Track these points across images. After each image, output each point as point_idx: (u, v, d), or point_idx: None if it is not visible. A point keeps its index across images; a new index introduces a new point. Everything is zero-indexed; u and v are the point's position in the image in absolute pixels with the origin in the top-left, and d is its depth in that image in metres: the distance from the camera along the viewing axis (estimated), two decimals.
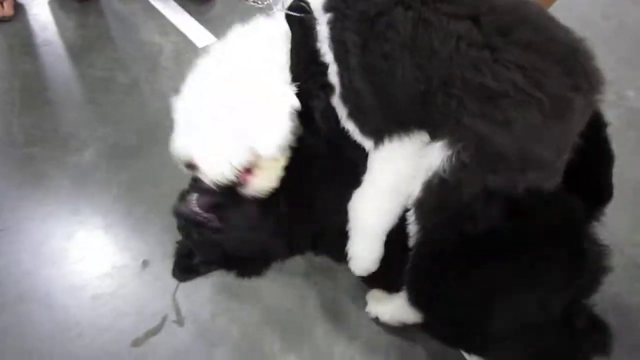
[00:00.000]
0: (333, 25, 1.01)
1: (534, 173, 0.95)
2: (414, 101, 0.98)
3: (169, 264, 1.40)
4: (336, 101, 1.06)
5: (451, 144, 0.94)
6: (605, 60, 0.92)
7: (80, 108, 1.81)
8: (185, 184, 1.28)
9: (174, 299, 1.40)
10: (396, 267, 1.20)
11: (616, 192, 1.09)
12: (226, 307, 1.40)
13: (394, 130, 1.02)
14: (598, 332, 1.14)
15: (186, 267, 1.39)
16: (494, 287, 1.07)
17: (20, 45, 2.02)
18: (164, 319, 1.37)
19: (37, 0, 2.18)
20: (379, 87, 1.00)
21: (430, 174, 0.99)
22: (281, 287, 1.44)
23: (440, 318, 1.20)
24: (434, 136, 0.99)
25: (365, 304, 1.40)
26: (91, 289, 1.41)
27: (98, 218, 1.55)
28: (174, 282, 1.41)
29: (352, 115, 1.05)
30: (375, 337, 1.37)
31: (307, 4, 1.06)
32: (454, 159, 0.93)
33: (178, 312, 1.38)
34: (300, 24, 1.06)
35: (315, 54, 1.04)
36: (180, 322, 1.37)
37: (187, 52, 1.99)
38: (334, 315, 1.40)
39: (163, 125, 1.78)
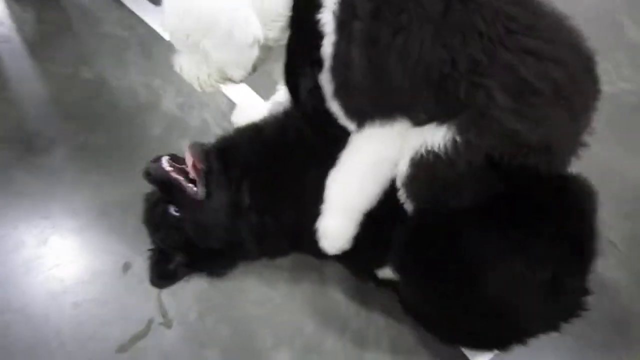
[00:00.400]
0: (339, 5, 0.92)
1: (547, 160, 0.97)
2: (420, 85, 0.92)
3: None
4: (324, 77, 1.01)
5: (461, 129, 0.92)
6: None
7: (44, 106, 1.72)
8: None
9: (159, 301, 1.36)
10: (373, 245, 1.21)
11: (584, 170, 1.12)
12: (214, 306, 1.37)
13: (378, 115, 1.01)
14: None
15: (164, 273, 1.36)
16: (481, 260, 1.07)
17: None
18: (150, 322, 1.33)
19: None
20: (378, 64, 0.93)
21: (422, 151, 0.99)
22: (268, 282, 1.42)
23: (426, 292, 1.18)
24: (435, 119, 0.96)
25: (353, 295, 1.40)
26: (71, 296, 1.35)
27: (72, 221, 1.48)
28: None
29: (337, 93, 1.01)
30: (365, 328, 1.38)
31: None
32: (459, 140, 0.92)
33: (164, 314, 1.35)
34: None
35: (314, 25, 0.96)
36: (167, 324, 1.33)
37: (155, 46, 1.92)
38: (323, 308, 1.40)
39: (134, 123, 1.72)
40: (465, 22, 0.86)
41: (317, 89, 1.04)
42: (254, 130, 1.34)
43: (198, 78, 1.17)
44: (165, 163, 1.27)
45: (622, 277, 1.53)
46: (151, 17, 2.01)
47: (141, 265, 1.41)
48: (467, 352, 1.35)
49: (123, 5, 2.07)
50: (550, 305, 1.09)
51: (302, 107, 1.12)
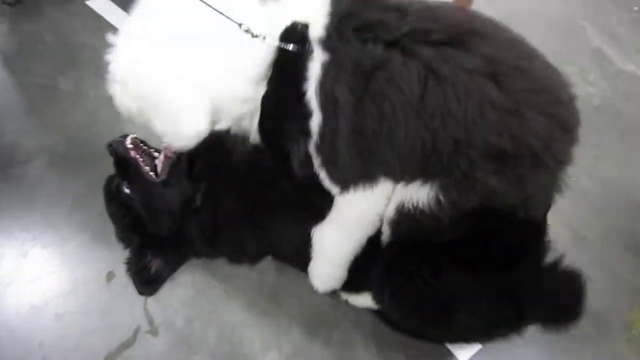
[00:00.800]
0: (326, 71, 0.94)
1: (528, 212, 1.02)
2: (405, 158, 0.96)
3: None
4: (311, 148, 1.03)
5: (445, 190, 0.96)
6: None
7: (22, 118, 1.71)
8: None
9: (145, 309, 1.36)
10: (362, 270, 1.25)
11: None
12: (200, 311, 1.37)
13: (362, 181, 1.04)
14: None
15: (146, 279, 1.36)
16: (455, 294, 1.14)
17: None
18: (137, 331, 1.32)
19: None
20: (364, 149, 0.97)
21: (407, 204, 1.03)
22: (254, 287, 1.43)
23: (404, 315, 1.25)
24: (418, 179, 0.99)
25: (339, 297, 1.42)
26: (53, 308, 1.34)
27: (53, 232, 1.47)
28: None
29: (323, 165, 1.05)
30: (353, 330, 1.40)
31: (306, 30, 0.97)
32: (442, 199, 0.97)
33: (151, 321, 1.34)
34: (293, 58, 0.98)
35: (300, 94, 0.97)
36: (154, 331, 1.33)
37: None
38: (310, 312, 1.41)
39: (114, 132, 1.71)
40: (441, 105, 0.89)
41: (308, 157, 1.06)
42: (223, 150, 1.34)
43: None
44: (128, 140, 1.34)
45: (597, 273, 1.59)
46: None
47: (125, 274, 1.40)
48: (452, 348, 1.39)
49: (97, 15, 2.07)
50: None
51: (289, 171, 1.14)
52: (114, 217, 1.42)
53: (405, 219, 1.06)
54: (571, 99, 0.96)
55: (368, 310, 1.39)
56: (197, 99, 1.02)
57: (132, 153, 1.33)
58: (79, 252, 1.44)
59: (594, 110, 2.11)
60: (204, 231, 1.36)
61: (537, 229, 1.16)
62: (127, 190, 1.35)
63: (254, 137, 1.15)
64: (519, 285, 1.12)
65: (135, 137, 1.36)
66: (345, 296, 1.40)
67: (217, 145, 1.26)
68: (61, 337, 1.30)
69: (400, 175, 1.02)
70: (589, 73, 2.28)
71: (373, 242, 1.18)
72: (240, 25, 0.99)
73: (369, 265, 1.22)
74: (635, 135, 2.00)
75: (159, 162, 1.35)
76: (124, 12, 2.07)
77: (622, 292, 1.53)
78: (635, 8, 2.68)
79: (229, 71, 1.02)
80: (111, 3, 2.09)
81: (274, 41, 0.98)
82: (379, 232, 1.16)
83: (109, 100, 1.79)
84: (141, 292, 1.37)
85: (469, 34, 0.90)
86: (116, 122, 1.73)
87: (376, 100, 0.92)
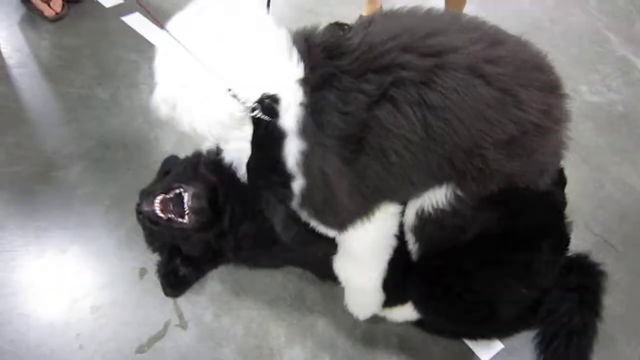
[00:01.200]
0: (308, 155, 0.94)
1: (542, 179, 1.05)
2: (417, 185, 1.00)
3: None
4: (295, 205, 1.04)
5: (462, 185, 0.99)
6: (558, 59, 1.04)
7: (62, 126, 1.81)
8: None
9: (175, 304, 1.42)
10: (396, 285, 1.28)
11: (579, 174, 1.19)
12: (228, 307, 1.42)
13: (360, 218, 1.06)
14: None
15: (174, 282, 1.42)
16: (494, 289, 1.17)
17: None
18: (167, 324, 1.38)
19: (3, 23, 2.17)
20: (367, 194, 1.00)
21: (426, 208, 1.05)
22: (279, 284, 1.48)
23: (447, 320, 1.30)
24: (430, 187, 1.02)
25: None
26: (91, 300, 1.41)
27: (89, 231, 1.55)
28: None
29: (312, 217, 1.08)
30: (375, 326, 1.43)
31: (277, 103, 0.93)
32: (461, 194, 1.00)
33: (181, 316, 1.40)
34: (267, 129, 0.95)
35: (279, 162, 0.97)
36: (183, 325, 1.38)
37: None
38: (333, 308, 1.45)
39: (148, 139, 1.80)
40: (444, 128, 0.91)
41: (291, 217, 1.10)
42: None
43: None
44: (157, 206, 1.33)
45: (622, 276, 1.58)
46: (160, 41, 2.12)
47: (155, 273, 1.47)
48: (473, 347, 1.40)
49: (133, 31, 2.18)
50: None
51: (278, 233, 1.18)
52: (145, 231, 1.48)
53: (428, 223, 1.08)
54: (547, 62, 1.00)
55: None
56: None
57: (162, 217, 1.33)
58: (114, 249, 1.52)
59: (619, 117, 2.12)
60: (231, 247, 1.40)
61: (556, 206, 1.18)
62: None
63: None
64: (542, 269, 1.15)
65: (162, 198, 1.34)
66: (383, 313, 1.40)
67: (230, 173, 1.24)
68: (97, 328, 1.36)
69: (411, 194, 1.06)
70: (612, 80, 2.29)
71: (401, 253, 1.19)
72: (229, 90, 0.94)
73: (402, 278, 1.25)
74: None
75: (186, 205, 1.33)
76: (158, 29, 2.18)
77: None
78: None
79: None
80: (144, 18, 2.21)
81: (249, 110, 0.94)
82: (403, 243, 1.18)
83: (142, 109, 1.91)
84: (167, 293, 1.43)
85: (439, 53, 0.92)
86: (150, 130, 1.83)
87: (378, 156, 0.94)
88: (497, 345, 1.41)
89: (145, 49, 2.09)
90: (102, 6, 2.28)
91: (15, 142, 1.74)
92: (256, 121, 0.94)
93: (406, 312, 1.34)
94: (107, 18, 2.24)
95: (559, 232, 1.18)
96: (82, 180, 1.66)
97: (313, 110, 0.92)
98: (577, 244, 1.56)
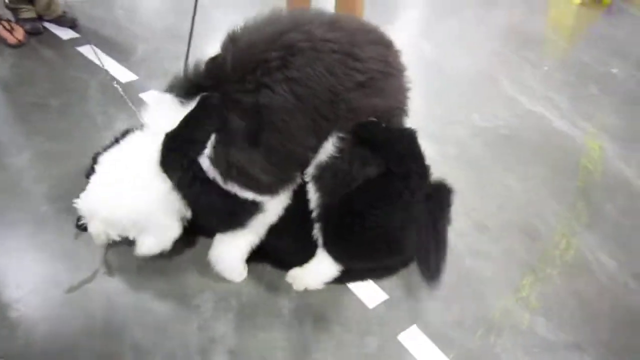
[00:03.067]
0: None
1: (399, 118, 1.44)
2: (301, 141, 1.33)
3: None
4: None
5: (338, 132, 1.34)
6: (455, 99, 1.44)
7: (16, 125, 2.08)
8: None
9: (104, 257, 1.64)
10: (299, 242, 1.56)
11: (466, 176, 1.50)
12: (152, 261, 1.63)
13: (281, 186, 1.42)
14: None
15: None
16: (383, 220, 1.46)
17: None
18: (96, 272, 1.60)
19: None
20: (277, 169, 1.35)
21: (323, 158, 1.38)
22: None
23: (355, 258, 1.57)
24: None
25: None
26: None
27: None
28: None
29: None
30: (278, 280, 1.64)
31: None
32: (342, 135, 1.34)
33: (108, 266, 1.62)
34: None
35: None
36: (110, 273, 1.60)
37: (112, 87, 2.32)
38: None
39: (93, 138, 2.07)
40: (310, 92, 1.28)
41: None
42: None
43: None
44: None
45: (494, 250, 1.86)
46: (109, 65, 2.44)
47: None
48: (361, 296, 1.63)
49: (85, 57, 2.51)
50: None
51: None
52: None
53: (324, 171, 1.39)
54: (380, 29, 1.40)
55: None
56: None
57: None
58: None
59: (504, 137, 2.50)
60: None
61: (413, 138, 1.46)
62: None
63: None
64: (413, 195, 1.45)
65: None
66: (298, 282, 1.60)
67: None
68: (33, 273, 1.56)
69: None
70: (500, 112, 2.68)
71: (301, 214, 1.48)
72: None
73: (305, 235, 1.51)
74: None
75: None
76: (107, 56, 2.51)
77: (515, 266, 1.81)
78: (546, 68, 3.19)
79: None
80: (96, 49, 2.54)
81: None
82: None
83: (89, 115, 2.18)
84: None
85: (290, 46, 1.27)
86: (94, 132, 2.10)
87: (271, 128, 1.28)
88: (382, 296, 1.64)
89: (95, 70, 2.41)
90: (60, 38, 2.63)
91: None
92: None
93: (322, 269, 1.57)
94: (63, 47, 2.59)
95: (421, 160, 1.46)
96: (29, 167, 1.91)
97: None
98: (459, 227, 1.87)
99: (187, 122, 1.32)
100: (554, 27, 3.84)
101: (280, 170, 1.36)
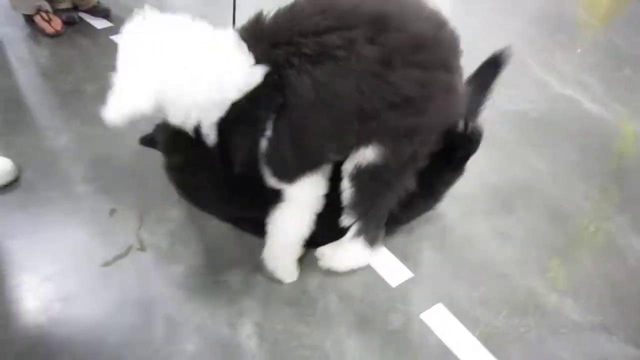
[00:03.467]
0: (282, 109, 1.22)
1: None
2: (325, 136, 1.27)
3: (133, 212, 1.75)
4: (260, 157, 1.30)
5: (381, 143, 1.29)
6: None
7: (55, 109, 2.17)
8: None
9: (138, 234, 1.71)
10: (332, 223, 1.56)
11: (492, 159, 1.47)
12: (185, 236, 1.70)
13: (306, 174, 1.38)
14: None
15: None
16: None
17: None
18: (130, 248, 1.66)
19: (11, 37, 2.58)
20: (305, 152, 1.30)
21: (360, 163, 1.35)
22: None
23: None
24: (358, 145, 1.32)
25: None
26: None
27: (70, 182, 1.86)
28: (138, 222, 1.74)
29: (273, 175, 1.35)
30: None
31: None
32: (385, 149, 1.30)
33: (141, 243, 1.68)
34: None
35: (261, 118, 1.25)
36: (143, 249, 1.67)
37: None
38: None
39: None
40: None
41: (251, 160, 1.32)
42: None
43: None
44: None
45: (521, 233, 1.85)
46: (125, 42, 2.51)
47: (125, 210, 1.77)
48: (384, 275, 1.66)
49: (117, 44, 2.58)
50: None
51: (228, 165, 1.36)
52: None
53: (362, 172, 1.36)
54: (436, 38, 1.28)
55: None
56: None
57: None
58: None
59: (533, 120, 2.47)
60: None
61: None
62: None
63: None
64: None
65: None
66: (322, 256, 1.62)
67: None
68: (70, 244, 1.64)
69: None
70: (529, 94, 2.66)
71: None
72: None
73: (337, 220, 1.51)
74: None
75: None
76: None
77: (543, 247, 1.80)
78: (579, 50, 3.13)
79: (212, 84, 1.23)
80: None
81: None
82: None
83: None
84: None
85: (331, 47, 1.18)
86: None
87: (307, 117, 1.22)
88: (406, 274, 1.66)
89: None
90: (94, 27, 2.72)
91: (16, 118, 2.11)
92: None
93: (351, 256, 1.60)
94: (98, 36, 2.67)
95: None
96: (66, 149, 2.00)
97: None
98: (485, 208, 1.88)
99: (253, 99, 1.24)
100: (587, 9, 3.74)
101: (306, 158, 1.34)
